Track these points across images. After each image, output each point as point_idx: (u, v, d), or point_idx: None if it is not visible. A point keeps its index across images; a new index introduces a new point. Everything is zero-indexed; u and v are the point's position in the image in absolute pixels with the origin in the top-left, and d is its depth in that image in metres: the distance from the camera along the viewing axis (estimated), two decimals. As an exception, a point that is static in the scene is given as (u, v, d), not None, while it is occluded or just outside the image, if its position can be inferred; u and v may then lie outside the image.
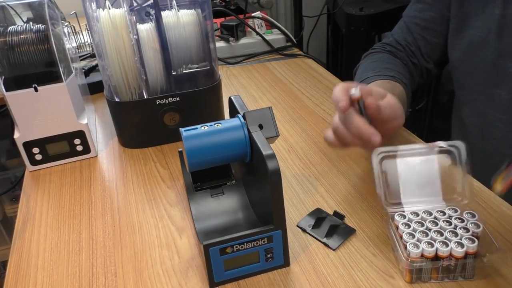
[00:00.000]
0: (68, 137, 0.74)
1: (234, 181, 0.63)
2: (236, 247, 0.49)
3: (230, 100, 0.61)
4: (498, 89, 0.74)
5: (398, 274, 0.51)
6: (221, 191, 0.62)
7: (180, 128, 0.53)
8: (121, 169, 0.74)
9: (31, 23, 0.72)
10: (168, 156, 0.77)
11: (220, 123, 0.54)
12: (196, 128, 0.53)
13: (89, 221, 0.63)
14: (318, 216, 0.60)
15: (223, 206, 0.60)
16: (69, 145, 0.75)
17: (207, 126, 0.54)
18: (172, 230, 0.60)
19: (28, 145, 0.73)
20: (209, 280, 0.51)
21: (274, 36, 1.20)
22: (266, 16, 1.22)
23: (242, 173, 0.63)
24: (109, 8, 0.70)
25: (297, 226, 0.59)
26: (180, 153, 0.66)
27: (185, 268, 0.54)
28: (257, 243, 0.50)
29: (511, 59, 0.71)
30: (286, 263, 0.53)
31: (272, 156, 0.47)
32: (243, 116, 0.54)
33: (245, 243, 0.49)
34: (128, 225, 0.62)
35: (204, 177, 0.63)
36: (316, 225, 0.59)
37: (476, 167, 0.65)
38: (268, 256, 0.51)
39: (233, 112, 0.59)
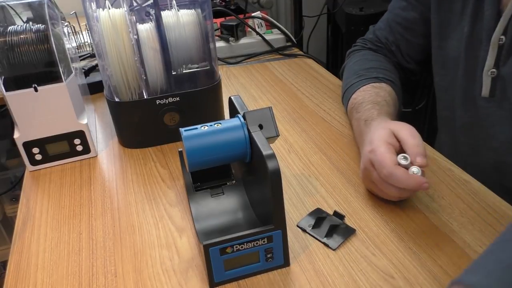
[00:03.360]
0: (68, 137, 0.74)
1: (234, 181, 0.63)
2: (236, 247, 0.49)
3: (230, 100, 0.61)
4: (461, 111, 0.74)
5: (398, 274, 0.51)
6: (221, 191, 0.62)
7: (180, 128, 0.53)
8: (121, 169, 0.74)
9: (31, 23, 0.71)
10: (168, 156, 0.77)
11: (220, 123, 0.54)
12: (196, 128, 0.53)
13: (89, 221, 0.63)
14: (318, 216, 0.60)
15: (223, 206, 0.60)
16: (69, 145, 0.75)
17: (207, 126, 0.54)
18: (172, 230, 0.60)
19: (28, 145, 0.73)
20: (209, 280, 0.51)
21: (274, 36, 1.20)
22: (266, 16, 1.22)
23: (242, 173, 0.63)
24: (109, 8, 0.70)
25: (297, 226, 0.59)
26: (180, 153, 0.66)
27: (185, 268, 0.54)
28: (257, 243, 0.50)
29: (473, 81, 0.69)
30: (286, 263, 0.53)
31: (272, 156, 0.47)
32: (243, 116, 0.54)
33: (245, 243, 0.49)
34: (128, 225, 0.62)
35: (204, 177, 0.63)
36: (316, 225, 0.59)
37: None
38: (268, 256, 0.51)
39: (233, 112, 0.59)
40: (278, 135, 0.55)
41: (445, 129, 0.82)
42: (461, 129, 0.75)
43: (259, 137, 0.51)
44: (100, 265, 0.55)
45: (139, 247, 0.58)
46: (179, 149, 0.65)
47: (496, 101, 0.67)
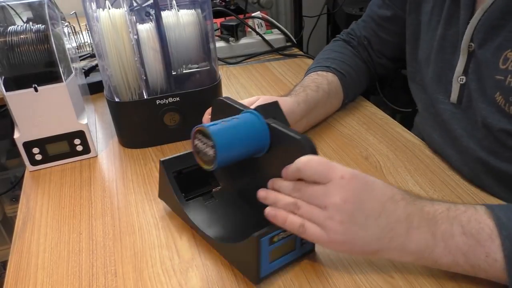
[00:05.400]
0: (68, 137, 0.74)
1: (219, 187, 0.63)
2: (281, 234, 0.49)
3: (219, 101, 0.58)
4: (431, 110, 0.72)
5: (398, 274, 0.51)
6: (211, 196, 0.62)
7: (197, 126, 0.50)
8: (121, 169, 0.74)
9: (31, 23, 0.72)
10: (168, 156, 0.77)
11: (236, 118, 0.52)
12: (217, 124, 0.50)
13: (89, 221, 0.63)
14: None
15: (223, 210, 0.60)
16: (69, 145, 0.75)
17: (225, 121, 0.51)
18: (172, 230, 0.60)
19: (28, 145, 0.73)
20: (252, 276, 0.49)
21: (274, 36, 1.20)
22: (266, 16, 1.22)
23: (234, 176, 0.62)
24: (109, 8, 0.70)
25: None
26: (187, 156, 0.62)
27: (185, 268, 0.54)
28: None
29: (443, 85, 0.67)
30: (313, 247, 0.54)
31: (307, 138, 0.48)
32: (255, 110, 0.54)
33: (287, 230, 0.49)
34: (128, 225, 0.62)
35: (189, 187, 0.61)
36: None
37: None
38: (303, 241, 0.51)
39: (220, 114, 0.58)
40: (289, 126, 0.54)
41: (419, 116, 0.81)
42: (431, 124, 0.74)
43: (281, 126, 0.50)
44: (100, 265, 0.55)
45: (139, 247, 0.58)
46: (186, 151, 0.62)
47: (462, 108, 0.65)
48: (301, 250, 0.52)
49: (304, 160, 0.47)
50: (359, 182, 0.47)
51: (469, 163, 0.65)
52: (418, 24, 0.73)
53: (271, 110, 0.54)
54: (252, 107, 0.56)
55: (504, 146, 0.59)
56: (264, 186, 0.52)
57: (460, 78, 0.64)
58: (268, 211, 0.49)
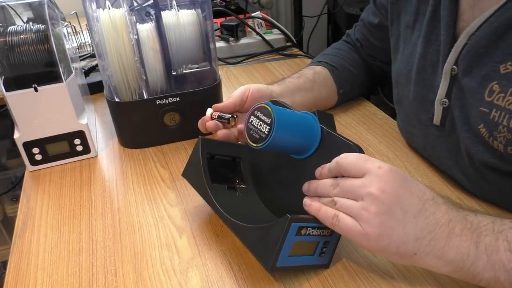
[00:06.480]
0: (68, 137, 0.74)
1: (244, 186, 0.62)
2: (310, 230, 0.48)
3: (273, 103, 0.58)
4: (413, 128, 0.70)
5: (398, 274, 0.51)
6: (235, 190, 0.61)
7: (259, 103, 0.50)
8: (121, 169, 0.74)
9: (31, 23, 0.72)
10: (168, 156, 0.77)
11: (295, 111, 0.53)
12: (279, 106, 0.51)
13: (89, 221, 0.63)
14: None
15: (246, 204, 0.59)
16: (69, 145, 0.75)
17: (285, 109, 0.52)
18: (172, 230, 0.60)
19: (28, 145, 0.73)
20: (267, 263, 0.47)
21: (274, 36, 1.20)
22: (266, 16, 1.22)
23: (263, 177, 0.61)
24: (109, 8, 0.70)
25: None
26: (222, 144, 0.62)
27: (185, 268, 0.54)
28: (323, 232, 0.49)
29: (426, 106, 0.64)
30: (328, 262, 0.52)
31: (358, 146, 0.49)
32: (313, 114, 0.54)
33: (316, 229, 0.48)
34: (128, 225, 0.62)
35: (216, 174, 0.60)
36: None
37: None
38: (324, 249, 0.50)
39: None
40: None
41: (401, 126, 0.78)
42: (414, 142, 0.72)
43: (335, 132, 0.51)
44: (100, 265, 0.56)
45: (139, 247, 0.58)
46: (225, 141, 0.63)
47: (445, 131, 0.62)
48: (317, 259, 0.51)
49: (343, 155, 0.48)
50: (397, 175, 0.46)
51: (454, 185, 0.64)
52: (397, 38, 0.71)
53: (326, 119, 0.54)
54: (248, 98, 0.63)
55: (485, 178, 0.57)
56: (295, 194, 0.52)
57: (443, 101, 0.60)
58: (305, 199, 0.51)
